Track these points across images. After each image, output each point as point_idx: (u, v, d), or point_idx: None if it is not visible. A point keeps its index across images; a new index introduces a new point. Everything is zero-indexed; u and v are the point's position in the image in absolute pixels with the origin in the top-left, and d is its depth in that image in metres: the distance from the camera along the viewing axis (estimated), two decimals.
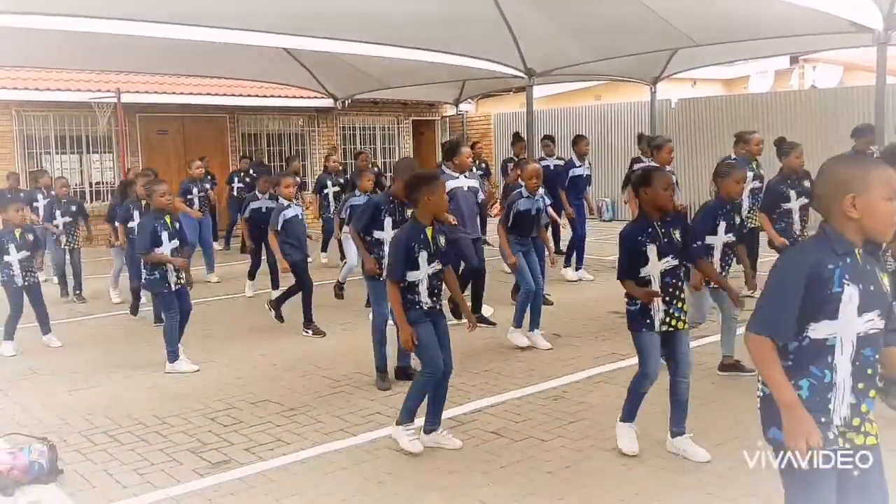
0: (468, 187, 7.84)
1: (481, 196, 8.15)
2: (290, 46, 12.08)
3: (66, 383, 6.51)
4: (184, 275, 6.80)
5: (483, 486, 4.28)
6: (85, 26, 9.27)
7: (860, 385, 2.51)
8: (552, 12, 10.59)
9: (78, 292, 10.16)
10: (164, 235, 6.66)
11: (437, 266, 4.76)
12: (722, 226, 5.82)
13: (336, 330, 7.87)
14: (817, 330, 2.49)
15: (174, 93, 16.36)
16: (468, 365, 6.60)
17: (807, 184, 6.92)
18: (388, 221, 6.20)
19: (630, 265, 4.49)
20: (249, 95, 17.25)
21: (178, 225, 6.85)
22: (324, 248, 12.67)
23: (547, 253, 7.60)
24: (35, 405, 5.96)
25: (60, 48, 11.58)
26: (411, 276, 4.68)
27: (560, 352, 6.98)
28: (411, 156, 20.34)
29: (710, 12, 10.15)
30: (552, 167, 11.14)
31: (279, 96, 17.63)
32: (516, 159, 11.41)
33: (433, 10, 10.02)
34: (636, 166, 9.06)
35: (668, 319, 4.46)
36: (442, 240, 4.83)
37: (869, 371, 2.52)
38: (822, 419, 2.49)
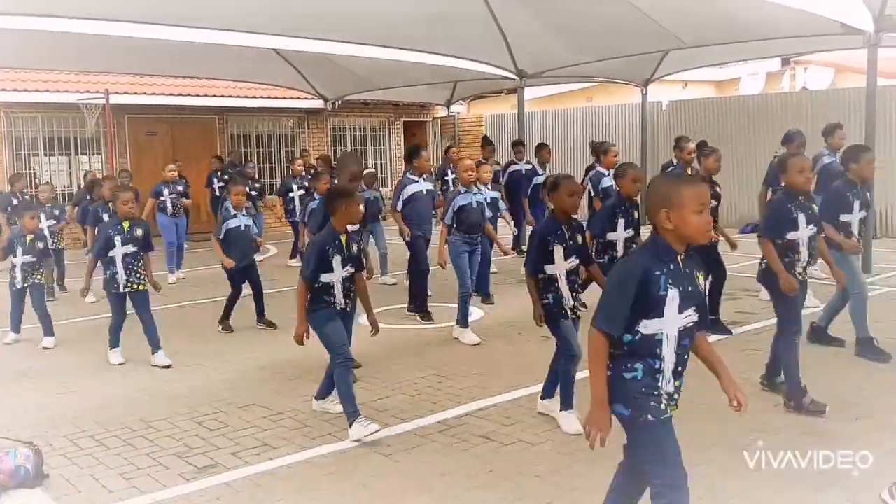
0: (426, 190, 8.44)
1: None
2: (280, 47, 12.07)
3: (55, 386, 6.46)
4: (136, 278, 6.90)
5: (471, 489, 4.25)
6: (73, 27, 9.24)
7: (679, 368, 3.03)
8: (543, 13, 10.60)
9: (60, 283, 10.63)
10: (118, 239, 6.85)
11: (350, 270, 5.16)
12: (621, 223, 6.15)
13: None
14: (648, 326, 2.95)
15: (163, 94, 16.28)
16: (457, 369, 6.58)
17: (717, 188, 7.21)
18: None
19: (540, 261, 4.90)
20: (239, 96, 17.19)
21: (139, 231, 6.95)
22: (293, 255, 12.24)
23: (496, 246, 7.98)
24: (23, 408, 5.91)
25: (49, 49, 11.54)
26: (326, 277, 5.06)
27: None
28: (404, 156, 20.28)
29: (702, 14, 10.18)
30: (523, 171, 11.66)
31: (269, 97, 17.57)
32: (485, 162, 11.53)
33: (424, 11, 10.02)
34: (591, 173, 9.43)
35: (572, 309, 5.04)
36: (355, 247, 5.23)
37: (685, 357, 3.05)
38: (655, 392, 3.00)
